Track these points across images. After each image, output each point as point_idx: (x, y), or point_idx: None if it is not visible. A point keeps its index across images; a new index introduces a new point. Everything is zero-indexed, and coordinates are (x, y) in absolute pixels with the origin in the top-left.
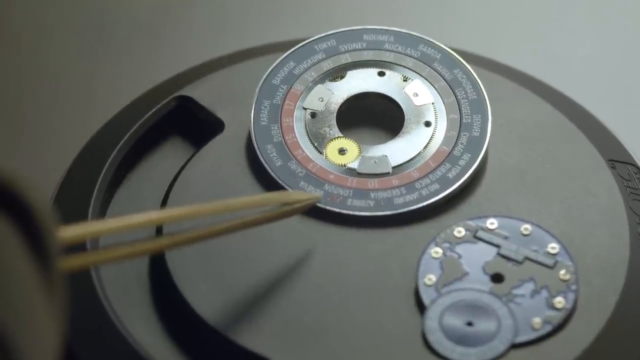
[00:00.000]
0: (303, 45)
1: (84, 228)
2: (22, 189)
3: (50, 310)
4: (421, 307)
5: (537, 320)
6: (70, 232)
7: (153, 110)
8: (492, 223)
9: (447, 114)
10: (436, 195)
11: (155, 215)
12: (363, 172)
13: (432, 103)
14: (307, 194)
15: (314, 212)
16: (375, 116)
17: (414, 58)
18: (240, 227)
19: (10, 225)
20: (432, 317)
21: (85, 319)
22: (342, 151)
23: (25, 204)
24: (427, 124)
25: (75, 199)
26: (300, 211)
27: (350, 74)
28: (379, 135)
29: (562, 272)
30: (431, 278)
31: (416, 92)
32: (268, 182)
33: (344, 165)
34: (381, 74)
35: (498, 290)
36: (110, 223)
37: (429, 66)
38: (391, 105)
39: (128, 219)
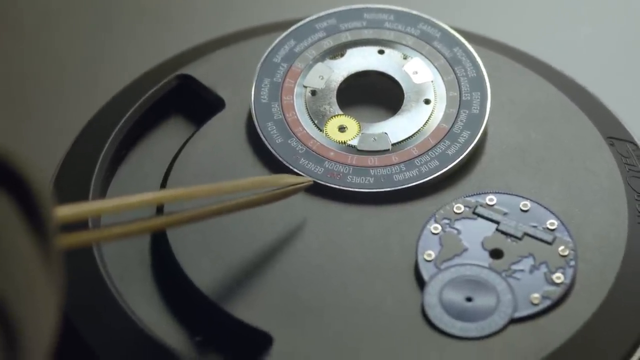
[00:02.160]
0: (303, 23)
1: (82, 207)
2: (21, 166)
3: (49, 285)
4: (421, 283)
5: (536, 296)
6: (69, 210)
7: (154, 88)
8: (491, 199)
9: (447, 91)
10: (436, 172)
11: (150, 195)
12: (363, 149)
13: (432, 81)
14: (300, 177)
15: (314, 189)
16: (375, 94)
17: (414, 36)
18: (233, 208)
19: (9, 201)
20: (432, 292)
21: (87, 296)
22: (342, 128)
23: (23, 181)
24: (427, 101)
25: (76, 177)
26: (291, 194)
27: (350, 52)
28: (379, 112)
29: (561, 248)
30: (430, 254)
31: (416, 70)
32: (268, 160)
33: (344, 143)
34: (381, 52)
35: (497, 266)
36: (107, 203)
37: (429, 44)
38: (391, 83)
39: (125, 199)
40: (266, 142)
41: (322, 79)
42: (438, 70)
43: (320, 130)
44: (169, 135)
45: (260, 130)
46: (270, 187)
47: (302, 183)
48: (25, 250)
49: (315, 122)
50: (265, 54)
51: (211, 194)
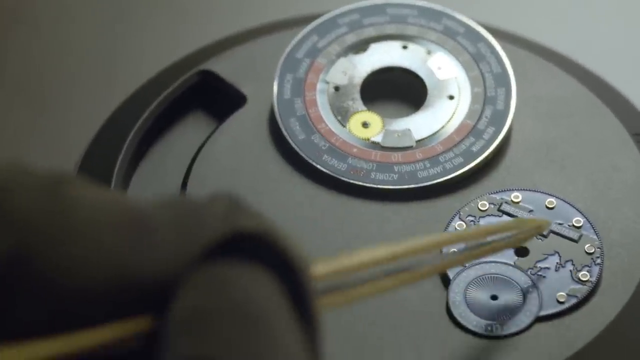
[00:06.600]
0: (326, 19)
1: (332, 266)
2: (282, 242)
3: None
4: (445, 281)
5: (561, 294)
6: (322, 269)
7: (175, 84)
8: (516, 196)
9: (471, 87)
10: (460, 169)
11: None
12: (386, 145)
13: (456, 77)
14: (537, 220)
15: (338, 185)
16: (399, 89)
17: (438, 32)
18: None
19: (277, 285)
20: (457, 290)
21: None
22: (365, 124)
23: (286, 261)
24: (451, 97)
25: (97, 172)
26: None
27: (374, 47)
28: (402, 108)
29: (587, 245)
30: (455, 252)
31: (439, 66)
32: (291, 156)
33: (368, 139)
34: (404, 47)
35: (522, 264)
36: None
37: (453, 39)
38: (414, 79)
39: (370, 252)
40: (289, 139)
41: (345, 74)
42: (462, 66)
43: (344, 127)
44: (190, 131)
45: (283, 126)
46: (508, 232)
47: (539, 226)
48: (294, 350)
49: (339, 118)
50: (288, 49)
51: (457, 241)
